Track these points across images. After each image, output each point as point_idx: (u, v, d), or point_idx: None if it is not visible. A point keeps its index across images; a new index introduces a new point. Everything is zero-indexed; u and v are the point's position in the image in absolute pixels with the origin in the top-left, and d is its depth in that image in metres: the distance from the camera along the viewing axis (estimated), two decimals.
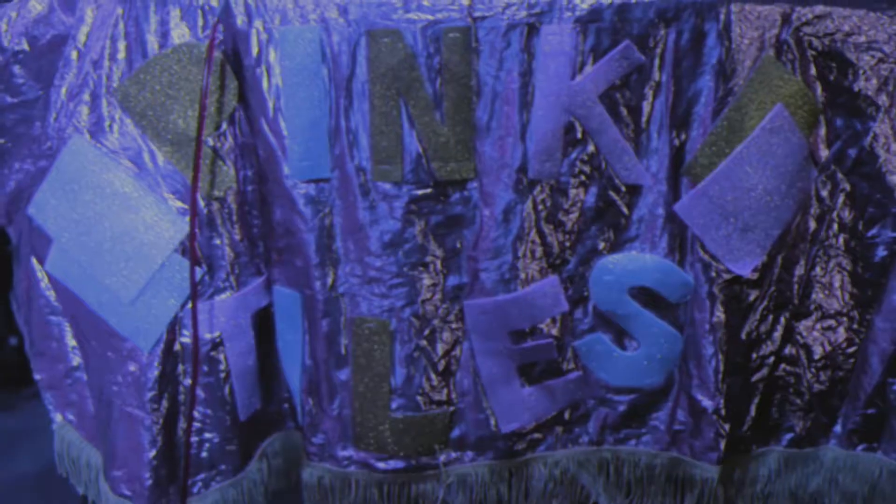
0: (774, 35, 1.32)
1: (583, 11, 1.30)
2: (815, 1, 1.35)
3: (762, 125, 1.32)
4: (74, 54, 1.36)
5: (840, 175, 1.38)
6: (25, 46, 1.38)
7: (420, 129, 1.31)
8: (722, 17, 1.30)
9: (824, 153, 1.37)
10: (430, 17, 1.30)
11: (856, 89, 1.35)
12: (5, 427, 2.36)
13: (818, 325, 1.41)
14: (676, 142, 1.33)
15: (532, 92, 1.30)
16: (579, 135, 1.32)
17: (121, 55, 1.35)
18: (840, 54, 1.34)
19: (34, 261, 1.42)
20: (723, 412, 1.35)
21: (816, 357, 1.41)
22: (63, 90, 1.37)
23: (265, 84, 1.33)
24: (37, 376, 1.49)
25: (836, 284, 1.40)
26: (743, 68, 1.31)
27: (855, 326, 1.41)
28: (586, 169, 1.33)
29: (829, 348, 1.41)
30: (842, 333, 1.41)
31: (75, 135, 1.36)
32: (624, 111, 1.32)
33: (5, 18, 1.39)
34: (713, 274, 1.34)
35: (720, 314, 1.34)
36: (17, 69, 1.38)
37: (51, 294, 1.43)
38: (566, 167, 1.33)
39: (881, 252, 1.38)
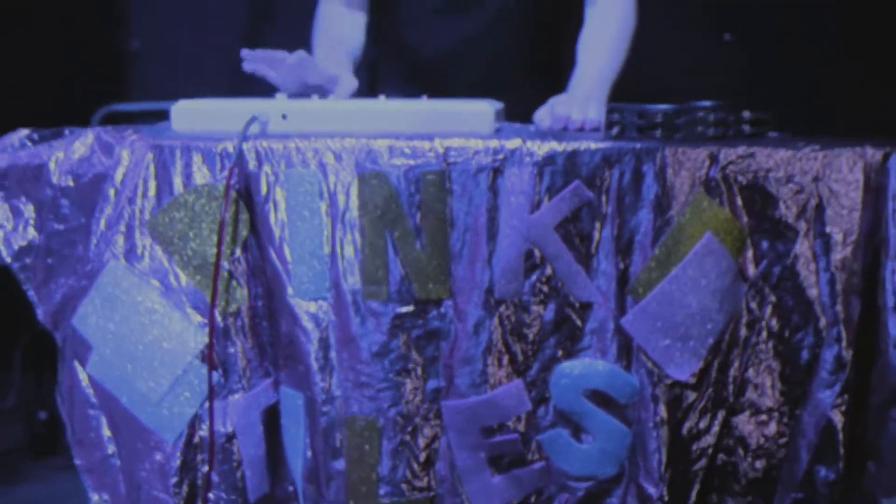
0: (704, 173, 1.55)
1: (539, 157, 1.54)
2: (739, 142, 1.58)
3: (695, 251, 1.54)
4: (112, 191, 1.61)
5: (767, 289, 1.59)
6: (71, 183, 1.63)
7: (403, 256, 1.55)
8: (658, 160, 1.54)
9: (752, 271, 1.59)
10: (411, 163, 1.54)
11: (778, 217, 1.58)
12: (37, 498, 2.59)
13: (752, 420, 1.62)
14: (621, 265, 1.55)
15: (497, 225, 1.54)
16: (538, 260, 1.55)
17: (151, 193, 1.60)
18: (763, 188, 1.57)
19: (77, 363, 1.66)
20: (666, 498, 1.56)
21: (751, 448, 1.62)
22: (102, 221, 1.62)
23: (272, 218, 1.57)
24: (77, 461, 1.72)
25: (767, 384, 1.61)
26: (677, 203, 1.54)
27: (785, 420, 1.62)
28: (545, 289, 1.56)
29: (762, 440, 1.62)
30: (773, 427, 1.61)
31: (112, 259, 1.60)
32: (576, 240, 1.55)
33: (54, 157, 1.64)
34: (656, 379, 1.55)
35: (663, 413, 1.56)
36: (63, 202, 1.64)
37: (90, 392, 1.67)
38: (527, 287, 1.56)
39: (805, 355, 1.60)
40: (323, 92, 1.85)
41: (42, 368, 2.88)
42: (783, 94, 3.09)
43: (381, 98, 1.73)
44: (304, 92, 1.83)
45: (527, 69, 2.17)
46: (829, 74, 3.13)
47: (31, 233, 1.66)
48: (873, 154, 1.60)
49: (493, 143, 1.55)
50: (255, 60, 1.80)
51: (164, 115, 3.32)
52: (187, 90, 3.30)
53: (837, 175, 1.58)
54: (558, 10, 2.18)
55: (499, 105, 1.74)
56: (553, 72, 2.23)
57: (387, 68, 2.24)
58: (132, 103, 3.27)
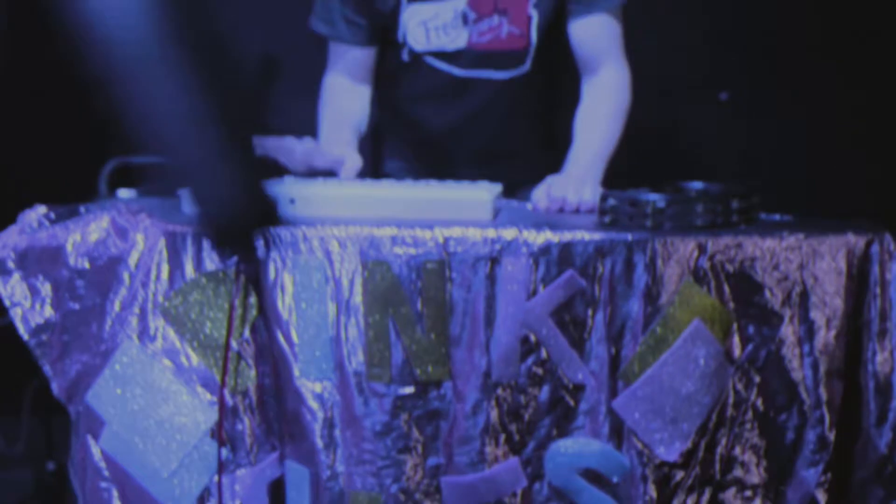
0: (693, 263, 1.62)
1: (535, 248, 1.61)
2: (727, 232, 1.66)
3: (683, 337, 1.61)
4: (126, 275, 1.69)
5: (753, 372, 1.67)
6: (87, 265, 1.71)
7: (405, 340, 1.62)
8: (648, 251, 1.61)
9: (739, 354, 1.66)
10: (413, 252, 1.62)
11: (764, 303, 1.65)
12: None
13: (738, 496, 1.69)
14: (613, 350, 1.62)
15: (495, 311, 1.61)
16: (533, 344, 1.62)
17: (164, 276, 1.67)
18: (749, 276, 1.64)
19: (90, 438, 1.73)
20: None
21: None
22: (117, 302, 1.69)
23: (280, 302, 1.65)
24: None
25: (753, 462, 1.68)
26: (667, 292, 1.61)
27: (770, 496, 1.68)
28: (540, 371, 1.63)
29: None
30: (759, 503, 1.68)
31: (126, 339, 1.68)
32: (570, 325, 1.62)
33: (71, 240, 1.72)
34: (645, 459, 1.62)
35: (652, 493, 1.63)
36: (80, 282, 1.71)
37: (102, 465, 1.74)
38: (523, 370, 1.63)
39: (790, 435, 1.67)
40: (330, 173, 1.93)
41: (51, 414, 2.93)
42: (778, 150, 3.18)
43: (385, 182, 1.80)
44: (311, 173, 1.92)
45: (525, 139, 2.26)
46: (825, 132, 3.20)
47: (48, 311, 1.73)
48: (856, 241, 1.67)
49: (491, 233, 1.62)
50: (265, 148, 1.88)
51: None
52: None
53: (821, 263, 1.65)
54: (553, 83, 2.26)
55: (497, 188, 1.82)
56: (551, 140, 2.32)
57: (390, 137, 2.32)
58: (141, 156, 3.34)
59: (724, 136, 3.16)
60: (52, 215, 1.80)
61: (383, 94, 2.27)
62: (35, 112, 3.19)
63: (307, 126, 2.55)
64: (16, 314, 1.74)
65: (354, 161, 2.00)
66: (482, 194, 1.72)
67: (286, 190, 1.75)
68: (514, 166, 2.26)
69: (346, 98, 2.23)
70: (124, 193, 3.17)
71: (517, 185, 2.27)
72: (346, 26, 2.19)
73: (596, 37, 2.17)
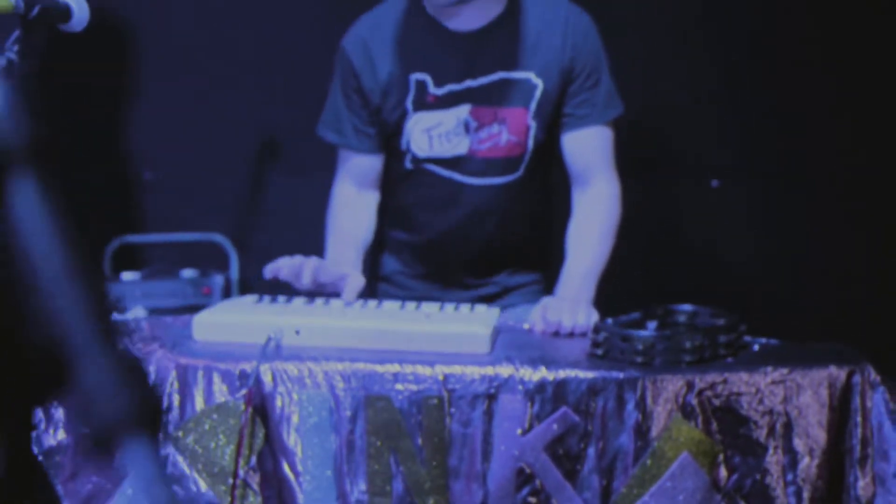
0: (681, 399, 1.70)
1: (531, 385, 1.69)
2: (712, 369, 1.74)
3: (671, 469, 1.69)
4: None
5: (739, 499, 1.74)
6: None
7: (405, 472, 1.69)
8: (639, 389, 1.69)
9: (725, 482, 1.74)
10: (414, 388, 1.69)
11: (749, 435, 1.73)
12: None
13: None
14: (605, 482, 1.70)
15: (491, 446, 1.69)
16: (528, 476, 1.70)
17: (175, 407, 1.74)
18: (735, 410, 1.72)
19: None
20: None
21: None
22: None
23: (286, 433, 1.72)
24: None
25: None
26: (656, 427, 1.69)
27: None
28: (534, 501, 1.70)
29: None
30: None
31: None
32: (563, 458, 1.70)
33: None
34: None
35: None
36: None
37: None
38: (518, 500, 1.70)
39: None
40: (334, 288, 2.02)
41: None
42: (771, 234, 3.26)
43: (386, 307, 1.88)
44: (317, 289, 2.00)
45: (519, 236, 2.34)
46: (820, 211, 3.28)
47: (62, 434, 1.80)
48: (838, 374, 1.75)
49: (489, 371, 1.70)
50: (275, 269, 1.97)
51: (175, 248, 3.47)
52: (198, 221, 3.48)
53: (804, 396, 1.73)
54: (544, 181, 2.35)
55: (494, 316, 1.90)
56: (544, 231, 2.41)
57: (390, 240, 2.40)
58: (145, 234, 3.42)
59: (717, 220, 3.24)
60: None
61: (385, 198, 2.35)
62: None
63: (306, 206, 2.64)
64: (30, 437, 1.81)
65: (357, 280, 2.07)
66: (480, 328, 1.80)
67: (291, 321, 1.82)
68: (509, 262, 2.35)
69: (352, 211, 2.31)
70: (128, 276, 3.27)
71: (512, 287, 2.37)
72: (354, 135, 2.27)
73: (588, 150, 2.25)
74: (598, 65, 2.23)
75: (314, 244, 2.42)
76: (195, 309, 3.19)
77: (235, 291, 3.34)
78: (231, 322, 1.85)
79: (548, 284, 2.37)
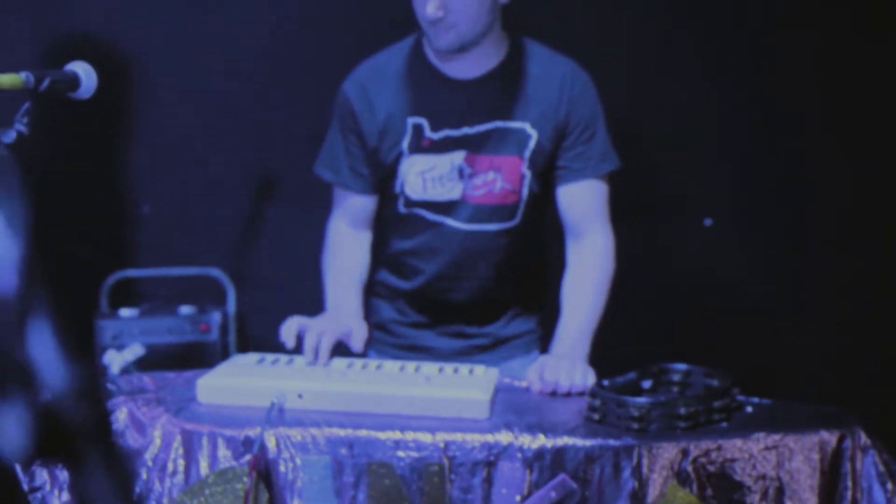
0: (677, 466, 1.74)
1: (529, 453, 1.72)
2: (707, 435, 1.77)
3: None
4: (143, 469, 1.79)
5: None
6: None
7: None
8: (635, 456, 1.72)
9: None
10: (415, 455, 1.73)
11: (742, 499, 1.76)
12: None
13: None
14: None
15: None
16: None
17: (180, 471, 1.78)
18: (729, 476, 1.76)
19: None
20: None
21: None
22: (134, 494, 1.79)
23: (289, 499, 1.75)
24: None
25: None
26: (652, 493, 1.73)
27: None
28: None
29: None
30: None
31: None
32: None
33: None
34: None
35: None
36: None
37: None
38: None
39: None
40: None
41: None
42: (763, 272, 3.30)
43: (387, 369, 1.92)
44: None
45: (514, 283, 2.37)
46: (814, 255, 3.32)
47: (66, 496, 1.83)
48: (829, 438, 1.79)
49: (489, 438, 1.74)
50: (289, 331, 2.02)
51: (175, 283, 3.48)
52: (196, 256, 3.50)
53: (796, 461, 1.77)
54: (540, 229, 2.38)
55: (493, 378, 1.93)
56: (539, 293, 2.45)
57: (382, 285, 2.43)
58: (142, 269, 3.44)
59: (709, 259, 3.28)
60: None
61: (378, 244, 2.39)
62: (35, 224, 3.25)
63: (303, 240, 2.68)
64: (35, 498, 1.84)
65: (361, 331, 2.13)
66: (479, 394, 1.84)
67: (294, 385, 1.85)
68: (503, 310, 2.38)
69: (348, 249, 2.35)
70: (126, 312, 3.29)
71: (507, 337, 2.40)
72: (350, 175, 2.31)
73: (582, 203, 2.29)
74: (594, 120, 2.27)
75: (311, 278, 2.47)
76: (193, 346, 3.26)
77: (233, 326, 3.37)
78: (235, 386, 1.88)
79: (544, 333, 2.41)
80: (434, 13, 2.07)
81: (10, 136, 1.76)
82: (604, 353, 2.18)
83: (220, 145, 3.38)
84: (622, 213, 2.37)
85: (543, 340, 2.43)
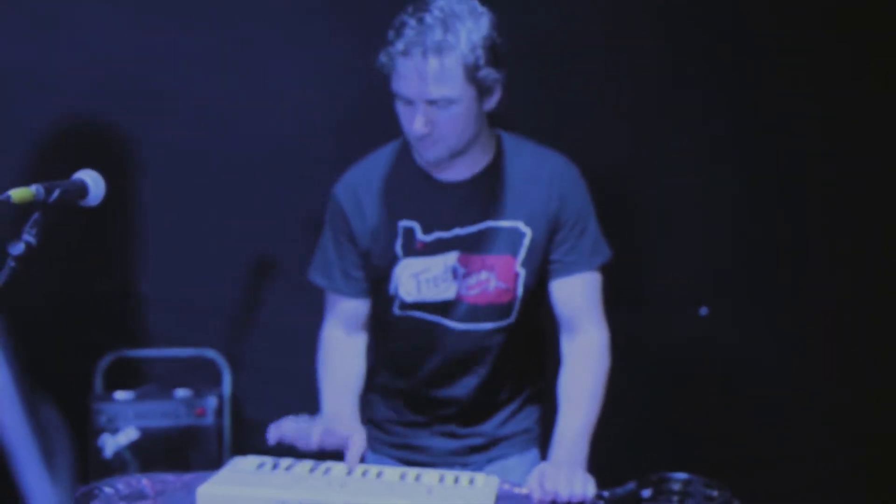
0: None
1: None
2: None
3: None
4: None
5: None
6: None
7: None
8: None
9: None
10: None
11: None
12: None
13: None
14: None
15: None
16: None
17: None
18: None
19: None
20: None
21: None
22: None
23: None
24: None
25: None
26: None
27: None
28: None
29: None
30: None
31: None
32: None
33: None
34: None
35: None
36: None
37: None
38: None
39: None
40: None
41: None
42: (759, 360, 3.32)
43: (387, 476, 1.92)
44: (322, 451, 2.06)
45: (510, 380, 2.38)
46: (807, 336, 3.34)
47: None
48: None
49: None
50: (279, 434, 2.02)
51: (170, 363, 3.47)
52: (191, 337, 3.50)
53: None
54: (537, 326, 2.40)
55: (493, 489, 1.94)
56: (536, 370, 2.45)
57: (379, 387, 2.44)
58: (137, 350, 3.43)
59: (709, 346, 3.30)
60: None
61: (374, 344, 2.40)
62: (32, 301, 3.24)
63: (299, 323, 2.69)
64: None
65: (360, 441, 2.13)
66: (481, 499, 1.84)
67: (294, 495, 1.85)
68: (498, 407, 2.39)
69: (342, 355, 2.36)
70: (121, 395, 3.28)
71: (502, 437, 2.40)
72: (343, 280, 2.33)
73: (576, 296, 2.31)
74: (585, 213, 2.30)
75: (305, 361, 2.47)
76: (189, 430, 3.24)
77: (227, 409, 3.36)
78: (237, 496, 1.88)
79: (542, 431, 2.42)
80: (421, 129, 2.10)
81: (19, 248, 1.78)
82: (601, 448, 2.19)
83: (218, 227, 3.39)
84: (617, 306, 2.39)
85: (542, 439, 2.43)
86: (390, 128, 2.30)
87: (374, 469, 2.04)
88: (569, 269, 2.29)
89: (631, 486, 1.97)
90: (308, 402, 2.31)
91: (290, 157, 3.32)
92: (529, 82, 2.87)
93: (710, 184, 3.32)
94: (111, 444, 3.11)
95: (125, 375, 3.44)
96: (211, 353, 3.41)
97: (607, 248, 2.34)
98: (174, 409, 3.22)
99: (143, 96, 3.28)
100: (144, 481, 2.08)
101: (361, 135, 2.56)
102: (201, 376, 3.42)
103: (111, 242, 3.35)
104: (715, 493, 1.94)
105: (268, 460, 2.07)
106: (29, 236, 1.78)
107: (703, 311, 3.29)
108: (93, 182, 1.91)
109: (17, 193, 1.77)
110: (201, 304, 3.43)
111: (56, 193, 1.82)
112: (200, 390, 3.29)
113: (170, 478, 2.11)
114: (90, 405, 3.20)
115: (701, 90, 3.26)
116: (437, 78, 2.05)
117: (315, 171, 2.78)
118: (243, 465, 2.04)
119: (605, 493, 1.91)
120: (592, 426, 2.24)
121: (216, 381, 3.39)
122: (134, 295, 3.46)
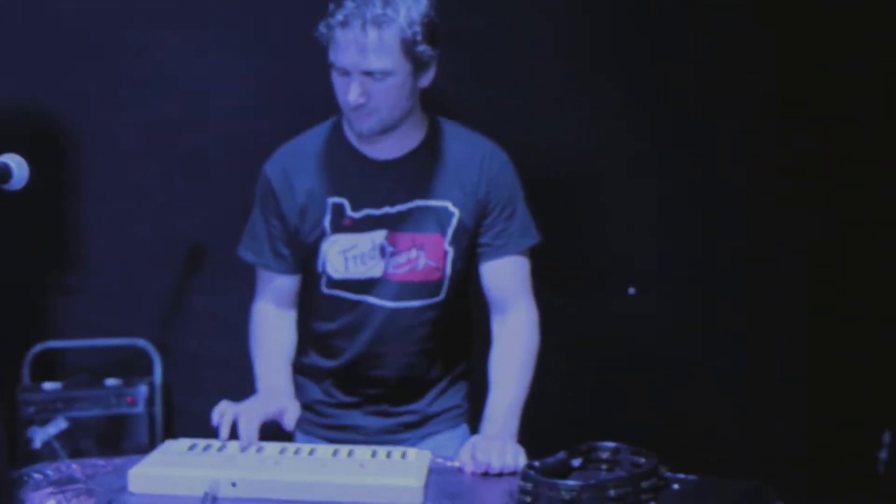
0: None
1: None
2: None
3: None
4: None
5: None
6: None
7: None
8: None
9: None
10: None
11: None
12: None
13: None
14: None
15: None
16: None
17: None
18: None
19: None
20: None
21: None
22: None
23: None
24: None
25: None
26: None
27: None
28: None
29: None
30: None
31: None
32: None
33: None
34: None
35: None
36: None
37: None
38: None
39: None
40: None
41: None
42: (688, 343, 3.39)
43: (320, 454, 1.93)
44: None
45: (440, 357, 2.41)
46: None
47: None
48: None
49: None
50: (221, 417, 2.05)
51: (99, 353, 3.42)
52: (121, 327, 3.46)
53: None
54: (466, 302, 2.43)
55: (426, 462, 1.96)
56: (464, 367, 2.48)
57: (307, 365, 2.44)
58: (66, 340, 3.39)
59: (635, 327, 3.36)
60: None
61: (302, 325, 2.41)
62: None
63: (230, 309, 2.68)
64: None
65: (294, 412, 2.18)
66: (412, 481, 1.86)
67: (228, 474, 1.85)
68: (428, 386, 2.41)
69: (274, 330, 2.38)
70: (49, 386, 3.24)
71: (433, 414, 2.43)
72: (272, 257, 2.34)
73: (505, 278, 2.34)
74: (514, 198, 2.33)
75: (236, 348, 2.47)
76: (119, 419, 3.21)
77: (159, 397, 3.33)
78: (168, 475, 1.87)
79: (470, 406, 2.45)
80: (356, 99, 2.12)
81: None
82: (535, 425, 2.22)
83: (147, 215, 3.36)
84: (547, 290, 2.43)
85: (470, 414, 2.46)
86: (318, 112, 2.34)
87: (306, 447, 2.04)
88: (498, 253, 2.32)
89: (561, 455, 2.00)
90: (240, 386, 2.31)
91: (217, 142, 3.30)
92: (464, 68, 2.90)
93: (641, 171, 3.38)
94: (40, 434, 3.07)
95: (54, 366, 3.39)
96: (141, 343, 3.38)
97: (536, 233, 2.37)
98: (104, 398, 3.19)
99: (72, 81, 3.23)
100: (74, 466, 2.06)
101: (289, 118, 2.55)
102: (131, 367, 3.38)
103: (36, 230, 3.28)
104: (642, 461, 1.98)
105: (200, 442, 2.06)
106: None
107: (631, 290, 3.34)
108: (16, 165, 1.88)
109: None
110: (130, 293, 3.40)
111: None
112: (131, 379, 3.26)
113: (100, 462, 2.10)
114: (17, 396, 3.15)
115: (636, 74, 3.31)
116: (376, 49, 2.08)
117: (242, 156, 2.77)
118: (175, 447, 2.03)
119: (536, 463, 1.94)
120: (522, 401, 2.28)
121: (147, 370, 3.36)
122: (60, 285, 3.41)
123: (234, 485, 1.85)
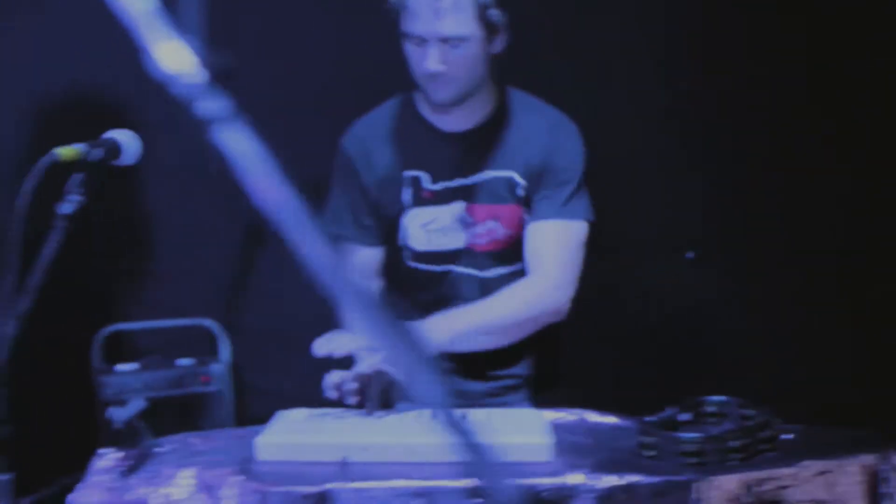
0: (737, 496, 1.81)
1: (600, 492, 1.78)
2: (759, 465, 1.86)
3: None
4: None
5: None
6: None
7: None
8: (694, 490, 1.80)
9: None
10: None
11: None
12: None
13: None
14: None
15: None
16: None
17: None
18: (782, 501, 1.84)
19: None
20: None
21: None
22: None
23: None
24: None
25: None
26: None
27: None
28: None
29: None
30: None
31: None
32: None
33: (155, 500, 1.82)
34: None
35: None
36: None
37: None
38: None
39: None
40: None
41: None
42: (743, 315, 3.40)
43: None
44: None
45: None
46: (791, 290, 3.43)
47: None
48: (869, 462, 1.89)
49: (558, 480, 1.79)
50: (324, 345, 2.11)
51: (161, 335, 3.42)
52: (186, 308, 3.47)
53: (843, 485, 1.86)
54: None
55: (542, 419, 1.99)
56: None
57: None
58: (132, 322, 3.40)
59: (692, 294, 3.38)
60: (124, 467, 1.89)
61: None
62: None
63: (295, 288, 2.69)
64: None
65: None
66: (541, 439, 1.89)
67: (359, 438, 1.89)
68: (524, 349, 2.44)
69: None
70: (123, 368, 3.26)
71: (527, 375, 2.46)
72: (355, 228, 2.37)
73: (539, 242, 2.32)
74: (572, 169, 2.32)
75: (303, 326, 2.49)
76: (195, 398, 3.23)
77: (228, 377, 3.36)
78: (298, 443, 1.90)
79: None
80: (436, 67, 2.15)
81: (69, 208, 1.77)
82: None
83: (210, 194, 3.37)
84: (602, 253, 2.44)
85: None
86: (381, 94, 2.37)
87: (425, 412, 2.07)
88: (539, 215, 2.31)
89: (670, 411, 2.03)
90: (306, 364, 2.29)
91: (291, 120, 3.30)
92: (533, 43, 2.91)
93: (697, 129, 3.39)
94: (121, 415, 3.09)
95: (121, 349, 3.41)
96: (207, 323, 3.40)
97: (585, 211, 2.33)
98: (179, 378, 3.21)
99: (137, 63, 3.23)
100: (191, 438, 2.09)
101: (356, 99, 2.57)
102: (197, 347, 3.40)
103: (103, 214, 3.29)
104: (752, 413, 2.01)
105: (314, 411, 2.09)
106: (78, 195, 1.78)
107: (690, 255, 3.37)
108: (126, 141, 1.91)
109: (65, 152, 1.76)
110: (195, 273, 3.42)
111: (100, 152, 1.82)
112: (203, 359, 3.28)
113: (214, 433, 2.14)
114: (96, 378, 3.17)
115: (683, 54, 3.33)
116: (451, 13, 2.10)
117: (316, 135, 2.78)
118: (293, 416, 2.07)
119: (647, 419, 1.97)
120: (476, 324, 2.27)
121: (212, 351, 3.38)
122: (127, 267, 3.43)
123: (364, 450, 1.88)
